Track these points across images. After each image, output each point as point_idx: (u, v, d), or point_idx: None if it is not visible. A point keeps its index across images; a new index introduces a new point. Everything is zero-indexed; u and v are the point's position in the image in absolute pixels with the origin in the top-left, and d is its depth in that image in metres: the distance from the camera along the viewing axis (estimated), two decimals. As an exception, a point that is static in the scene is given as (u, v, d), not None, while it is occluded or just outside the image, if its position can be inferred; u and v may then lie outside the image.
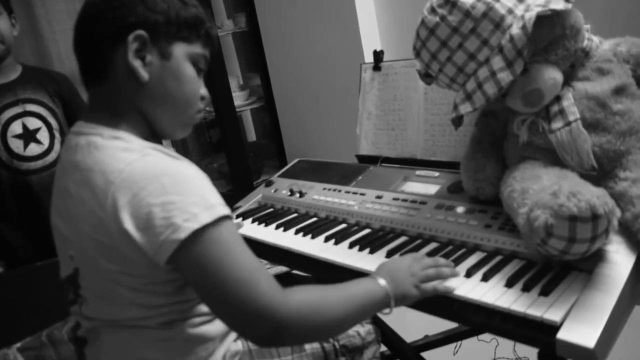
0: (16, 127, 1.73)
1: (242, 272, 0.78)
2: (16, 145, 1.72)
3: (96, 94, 0.92)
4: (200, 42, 0.93)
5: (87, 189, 0.82)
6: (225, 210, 0.81)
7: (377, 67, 1.60)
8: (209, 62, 0.97)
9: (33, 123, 1.75)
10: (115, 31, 0.86)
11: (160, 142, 0.93)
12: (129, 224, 0.78)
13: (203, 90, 0.96)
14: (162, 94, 0.90)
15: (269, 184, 1.66)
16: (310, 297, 0.83)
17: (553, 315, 0.81)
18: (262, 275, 0.79)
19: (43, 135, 1.77)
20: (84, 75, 0.92)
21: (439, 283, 0.95)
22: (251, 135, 3.84)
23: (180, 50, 0.90)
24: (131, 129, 0.88)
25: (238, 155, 3.28)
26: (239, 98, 3.34)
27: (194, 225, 0.77)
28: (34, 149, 1.75)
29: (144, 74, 0.87)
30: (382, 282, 0.93)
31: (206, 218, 0.78)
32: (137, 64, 0.86)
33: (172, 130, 0.96)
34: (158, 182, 0.79)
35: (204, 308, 0.92)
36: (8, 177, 1.72)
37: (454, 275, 0.97)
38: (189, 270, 0.79)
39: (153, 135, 0.92)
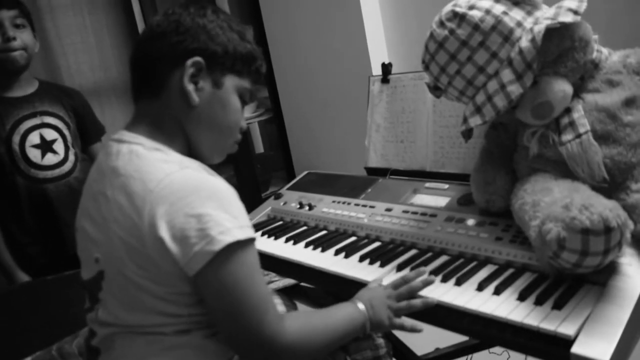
0: (34, 138, 1.78)
1: (258, 301, 0.83)
2: (34, 154, 1.77)
3: (145, 108, 0.96)
4: (250, 77, 1.00)
5: (125, 194, 0.85)
6: (253, 233, 0.85)
7: (385, 79, 1.61)
8: (254, 97, 1.01)
9: (50, 134, 1.81)
10: (176, 54, 0.92)
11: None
12: (164, 232, 0.81)
13: (243, 123, 1.02)
14: (207, 119, 0.95)
15: (277, 196, 1.66)
16: (303, 330, 0.89)
17: (567, 329, 0.81)
18: (270, 305, 0.84)
19: (59, 147, 1.82)
20: (136, 88, 0.97)
21: (408, 320, 1.01)
22: (259, 147, 3.84)
23: (231, 82, 0.96)
24: (172, 145, 0.93)
25: (246, 168, 3.29)
26: (246, 110, 3.36)
27: (228, 238, 0.80)
28: (50, 159, 1.80)
29: (195, 98, 0.92)
30: (361, 307, 0.98)
31: (240, 234, 0.81)
32: (190, 87, 0.92)
33: (210, 155, 1.00)
34: (195, 195, 0.82)
35: None
36: (25, 186, 1.77)
37: (426, 306, 0.98)
38: (211, 285, 0.82)
39: (190, 156, 0.95)
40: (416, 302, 0.99)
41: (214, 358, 0.92)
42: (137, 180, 0.85)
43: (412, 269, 1.10)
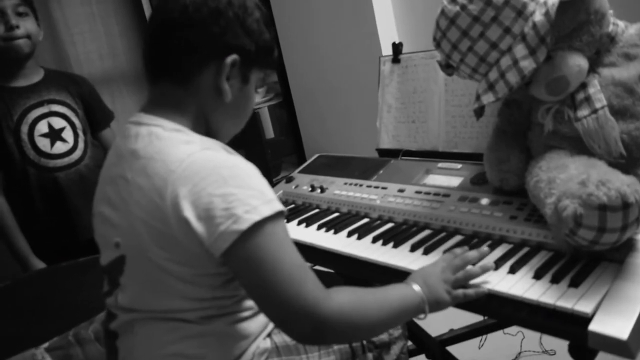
0: (42, 127, 1.78)
1: (292, 269, 0.80)
2: (43, 144, 1.77)
3: (167, 92, 0.93)
4: (269, 67, 0.99)
5: (146, 176, 0.84)
6: (281, 206, 0.83)
7: (396, 59, 1.59)
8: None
9: (58, 122, 1.80)
10: (214, 48, 0.89)
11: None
12: (189, 212, 0.80)
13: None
14: (232, 112, 0.96)
15: (289, 180, 1.66)
16: (350, 298, 0.84)
17: (584, 306, 0.80)
18: (309, 274, 0.81)
19: (68, 134, 1.82)
20: (159, 72, 0.93)
21: (473, 288, 0.94)
22: (269, 133, 3.83)
23: (255, 76, 0.96)
24: (191, 127, 0.91)
25: (257, 153, 3.29)
26: (256, 95, 3.35)
27: (255, 217, 0.79)
28: (60, 147, 1.80)
29: (230, 96, 0.92)
30: (416, 287, 0.93)
31: (266, 211, 0.80)
32: (226, 86, 0.91)
33: (226, 137, 1.00)
34: (218, 174, 0.81)
35: (243, 305, 0.93)
36: (36, 175, 1.78)
37: (485, 271, 0.96)
38: (241, 262, 0.80)
39: (207, 134, 0.95)
40: (474, 269, 0.96)
41: (236, 346, 0.92)
42: (158, 162, 0.84)
43: (426, 249, 1.09)
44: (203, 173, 0.81)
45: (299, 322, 0.79)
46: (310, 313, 0.78)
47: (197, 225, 0.80)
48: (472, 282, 0.96)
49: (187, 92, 0.91)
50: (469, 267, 0.97)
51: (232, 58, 0.89)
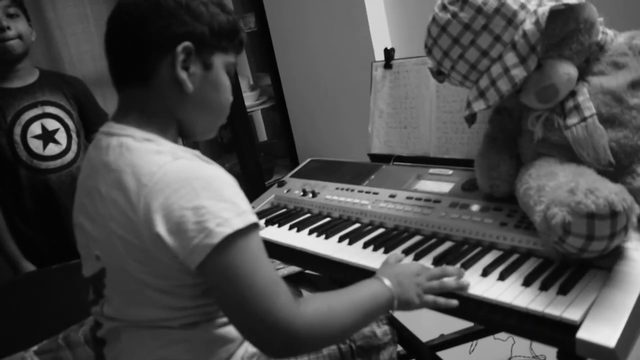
0: (35, 128, 1.78)
1: (265, 284, 0.79)
2: (35, 145, 1.77)
3: (132, 97, 0.92)
4: (235, 51, 0.95)
5: (119, 190, 0.83)
6: (255, 218, 0.82)
7: (388, 65, 1.59)
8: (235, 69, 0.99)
9: (51, 124, 1.81)
10: (163, 40, 0.87)
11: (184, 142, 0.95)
12: (161, 227, 0.79)
13: (231, 97, 0.98)
14: (201, 103, 0.92)
15: (281, 184, 1.66)
16: (321, 309, 0.84)
17: (572, 314, 0.80)
18: (281, 288, 0.81)
19: (61, 136, 1.82)
20: (120, 76, 0.92)
21: (441, 297, 0.95)
22: (262, 135, 3.83)
23: (220, 61, 0.92)
24: (162, 132, 0.90)
25: (249, 156, 3.28)
26: (249, 98, 3.34)
27: (227, 230, 0.78)
28: (52, 149, 1.80)
29: (190, 86, 0.89)
30: (387, 282, 0.94)
31: (238, 223, 0.79)
32: (184, 76, 0.88)
33: (203, 134, 0.99)
34: (190, 186, 0.79)
35: None
36: (27, 176, 1.78)
37: (460, 288, 0.95)
38: (215, 275, 0.80)
39: (180, 135, 0.94)
40: (449, 280, 0.96)
41: (223, 349, 0.92)
42: (129, 175, 0.82)
43: (416, 255, 1.09)
44: (175, 185, 0.79)
45: (270, 337, 0.79)
46: (283, 328, 0.78)
47: (170, 240, 0.79)
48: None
49: (150, 94, 0.89)
50: (445, 279, 0.97)
51: (183, 45, 0.86)
